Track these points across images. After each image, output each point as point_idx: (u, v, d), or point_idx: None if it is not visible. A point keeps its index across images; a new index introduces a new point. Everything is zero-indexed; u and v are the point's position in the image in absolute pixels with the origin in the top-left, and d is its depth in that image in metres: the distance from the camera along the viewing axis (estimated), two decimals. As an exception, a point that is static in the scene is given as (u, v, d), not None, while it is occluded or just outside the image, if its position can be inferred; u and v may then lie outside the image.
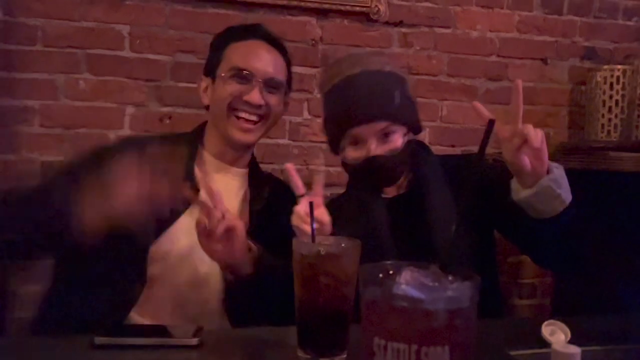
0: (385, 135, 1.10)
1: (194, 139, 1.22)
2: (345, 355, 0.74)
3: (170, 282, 1.09)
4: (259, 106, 1.15)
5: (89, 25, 1.67)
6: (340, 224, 0.97)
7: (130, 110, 1.71)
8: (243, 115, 1.15)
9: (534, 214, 0.97)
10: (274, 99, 1.18)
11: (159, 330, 0.89)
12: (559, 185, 0.95)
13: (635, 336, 0.81)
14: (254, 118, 1.16)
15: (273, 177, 1.33)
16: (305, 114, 1.83)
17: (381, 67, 1.15)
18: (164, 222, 1.07)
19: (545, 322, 0.76)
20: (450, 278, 0.50)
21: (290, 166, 1.00)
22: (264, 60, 1.17)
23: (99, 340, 0.78)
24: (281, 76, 1.20)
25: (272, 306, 1.03)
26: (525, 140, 0.93)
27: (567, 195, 0.96)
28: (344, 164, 1.18)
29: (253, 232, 1.06)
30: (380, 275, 0.50)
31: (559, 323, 0.76)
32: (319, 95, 1.80)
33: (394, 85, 1.13)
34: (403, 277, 0.48)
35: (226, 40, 1.20)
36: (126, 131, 1.70)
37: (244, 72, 1.15)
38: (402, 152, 1.12)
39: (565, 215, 0.96)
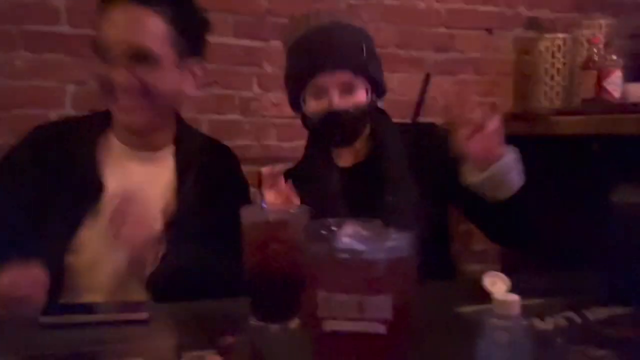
0: (349, 89, 1.08)
1: (102, 121, 1.08)
2: (297, 320, 0.75)
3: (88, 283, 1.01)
4: (128, 87, 0.97)
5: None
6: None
7: (71, 88, 1.64)
8: (119, 97, 0.98)
9: (486, 197, 0.98)
10: (151, 75, 0.98)
11: (107, 307, 0.87)
12: (509, 170, 0.95)
13: (573, 289, 0.85)
14: (127, 101, 0.98)
15: (208, 146, 1.17)
16: (256, 89, 1.80)
17: (350, 21, 1.14)
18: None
19: (486, 274, 0.79)
20: (390, 230, 0.51)
21: (266, 172, 0.92)
22: (122, 28, 0.96)
23: (44, 319, 0.76)
24: (156, 44, 0.98)
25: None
26: (477, 129, 0.93)
27: (517, 180, 0.97)
28: (304, 120, 1.15)
29: (182, 219, 1.01)
30: (323, 231, 0.51)
31: (499, 274, 0.78)
32: (269, 69, 1.80)
33: (362, 40, 1.12)
34: (344, 231, 0.49)
35: (98, 7, 1.00)
36: (69, 111, 1.64)
37: (102, 47, 0.96)
38: (364, 110, 1.10)
39: (516, 198, 0.97)
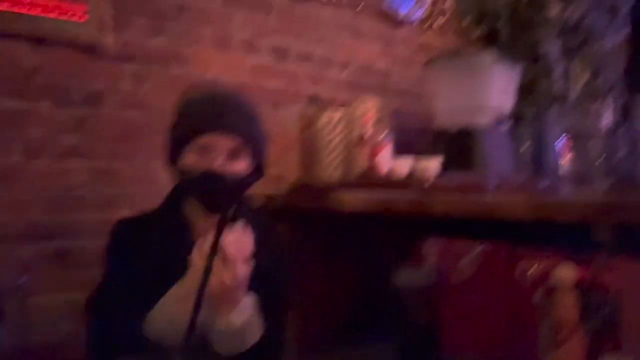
0: (235, 155, 1.07)
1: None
2: None
3: None
4: None
5: None
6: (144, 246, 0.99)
7: None
8: None
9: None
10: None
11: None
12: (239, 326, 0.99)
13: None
14: None
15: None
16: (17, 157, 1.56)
17: (247, 99, 1.15)
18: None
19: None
20: None
21: None
22: None
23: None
24: None
25: None
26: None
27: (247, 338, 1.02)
28: (176, 174, 1.11)
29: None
30: None
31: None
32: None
33: (257, 116, 1.13)
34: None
35: None
36: None
37: None
38: (243, 182, 1.08)
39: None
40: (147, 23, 1.78)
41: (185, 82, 1.85)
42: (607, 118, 0.96)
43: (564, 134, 0.98)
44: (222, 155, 1.06)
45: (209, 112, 1.08)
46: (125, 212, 1.27)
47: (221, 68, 1.95)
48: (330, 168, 2.02)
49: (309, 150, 2.11)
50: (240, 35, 1.99)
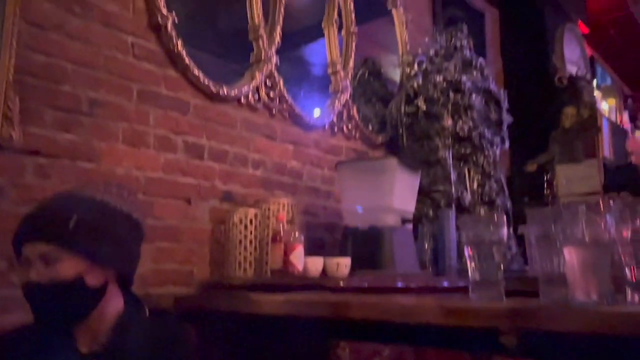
0: (50, 262, 1.02)
1: None
2: None
3: None
4: None
5: None
6: None
7: None
8: None
9: None
10: None
11: None
12: None
13: None
14: None
15: None
16: None
17: (96, 194, 1.11)
18: None
19: None
20: None
21: None
22: None
23: None
24: None
25: None
26: None
27: None
28: None
29: None
30: None
31: None
32: None
33: (82, 213, 1.07)
34: None
35: None
36: None
37: None
38: (68, 287, 1.02)
39: None
40: (57, 117, 1.74)
41: (93, 177, 1.80)
42: (502, 224, 1.06)
43: (466, 241, 1.07)
44: (36, 265, 1.02)
45: (21, 224, 1.08)
46: (19, 318, 1.17)
47: (133, 164, 1.92)
48: (243, 266, 2.00)
49: (222, 247, 2.09)
50: (155, 132, 2.00)
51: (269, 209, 2.12)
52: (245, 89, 2.28)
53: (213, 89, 2.15)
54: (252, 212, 2.09)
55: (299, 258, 1.87)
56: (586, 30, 4.89)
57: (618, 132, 4.26)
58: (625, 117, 5.08)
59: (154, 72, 2.02)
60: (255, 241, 2.06)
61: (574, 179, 3.55)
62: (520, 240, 2.68)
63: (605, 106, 4.36)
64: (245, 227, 2.07)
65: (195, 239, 2.09)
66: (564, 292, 0.93)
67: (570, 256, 0.90)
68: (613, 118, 4.41)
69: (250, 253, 2.04)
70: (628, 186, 3.08)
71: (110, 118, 1.87)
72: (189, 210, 2.09)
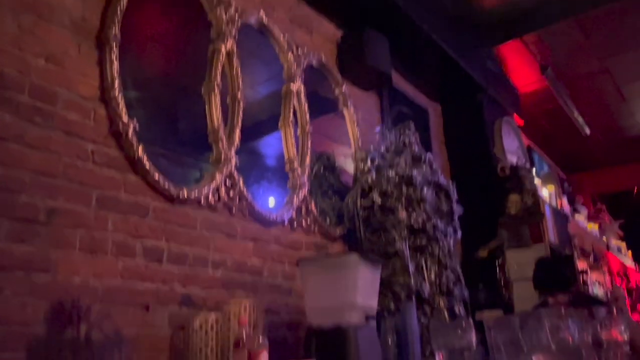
0: None
1: None
2: None
3: None
4: None
5: None
6: None
7: None
8: None
9: None
10: None
11: None
12: None
13: None
14: None
15: None
16: None
17: None
18: None
19: None
20: None
21: None
22: None
23: None
24: None
25: None
26: None
27: None
28: None
29: None
30: None
31: None
32: None
33: None
34: None
35: None
36: None
37: None
38: None
39: None
40: (13, 228, 1.69)
41: (49, 289, 1.73)
42: (470, 329, 1.09)
43: (437, 347, 1.09)
44: None
45: None
46: None
47: (91, 272, 1.87)
48: (205, 376, 1.92)
49: (182, 355, 2.01)
50: (113, 238, 1.96)
51: (230, 312, 2.07)
52: (205, 190, 2.31)
53: (173, 191, 2.16)
54: (212, 316, 2.03)
55: (265, 364, 1.81)
56: (521, 122, 5.28)
57: (560, 217, 4.51)
58: (565, 201, 5.39)
59: (113, 177, 2.02)
60: (216, 348, 1.99)
61: (524, 263, 3.68)
62: (479, 326, 2.71)
63: (546, 192, 4.63)
64: (206, 332, 2.00)
65: (153, 347, 2.00)
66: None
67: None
68: (554, 203, 4.67)
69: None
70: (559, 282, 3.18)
71: (67, 226, 1.83)
72: (148, 317, 2.01)
